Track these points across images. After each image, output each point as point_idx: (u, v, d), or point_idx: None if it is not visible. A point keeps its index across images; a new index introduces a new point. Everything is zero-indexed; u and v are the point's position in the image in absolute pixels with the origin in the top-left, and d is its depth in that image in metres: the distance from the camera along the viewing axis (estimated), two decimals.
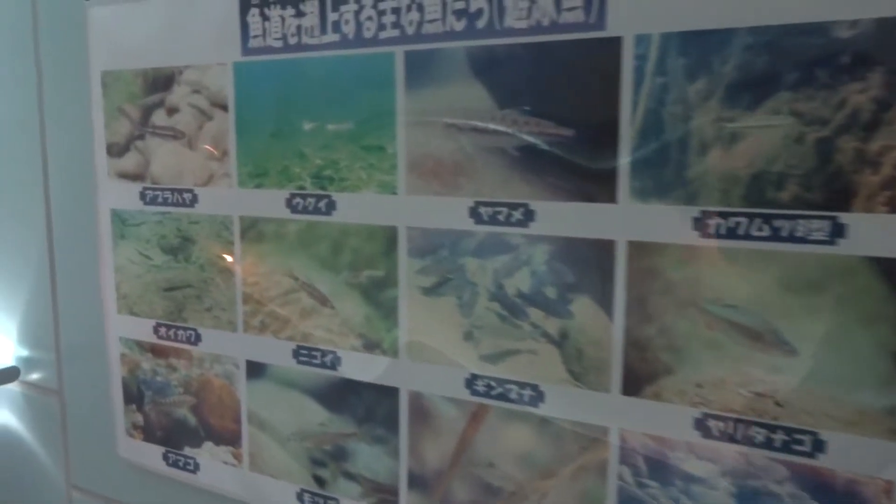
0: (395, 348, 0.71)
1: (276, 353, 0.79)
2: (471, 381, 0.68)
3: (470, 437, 0.69)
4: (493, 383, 0.67)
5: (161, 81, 0.82)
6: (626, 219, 0.59)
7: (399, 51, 0.67)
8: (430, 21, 0.65)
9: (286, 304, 0.77)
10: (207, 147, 0.79)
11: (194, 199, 0.82)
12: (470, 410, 0.68)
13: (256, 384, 0.81)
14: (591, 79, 0.59)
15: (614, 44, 0.58)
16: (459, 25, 0.64)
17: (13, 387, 1.02)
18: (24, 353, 1.03)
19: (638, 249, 0.59)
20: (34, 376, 1.02)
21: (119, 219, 0.88)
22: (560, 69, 0.60)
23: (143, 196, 0.85)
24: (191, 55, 0.79)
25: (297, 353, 0.77)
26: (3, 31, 0.97)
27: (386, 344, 0.72)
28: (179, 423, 0.87)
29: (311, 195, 0.74)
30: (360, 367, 0.74)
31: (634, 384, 0.60)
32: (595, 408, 0.62)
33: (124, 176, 0.87)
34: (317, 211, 0.74)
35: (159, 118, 0.82)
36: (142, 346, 0.89)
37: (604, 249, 0.60)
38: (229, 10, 0.76)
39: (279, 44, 0.73)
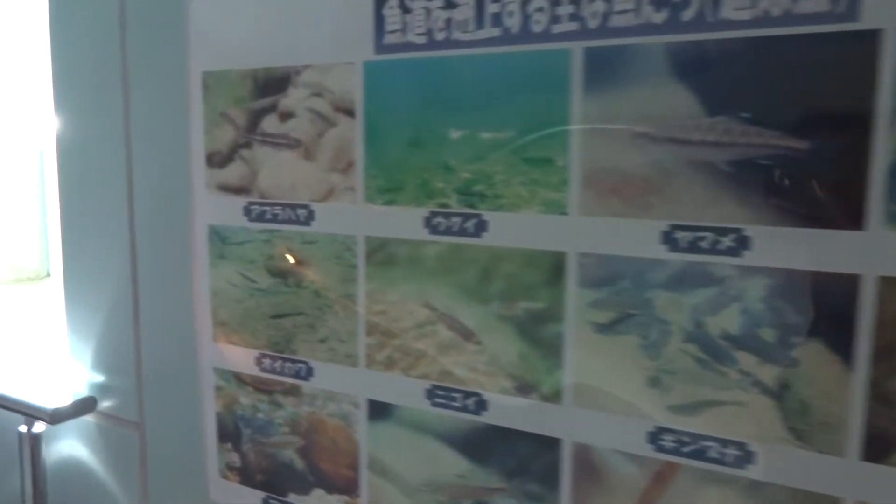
0: (557, 392, 0.62)
1: (407, 392, 0.69)
2: (656, 435, 0.58)
3: (652, 499, 0.59)
4: (685, 438, 0.57)
5: (274, 83, 0.73)
6: (876, 249, 0.49)
7: (577, 47, 0.57)
8: (620, 12, 0.55)
9: (421, 337, 0.68)
10: (328, 158, 0.70)
11: (310, 216, 0.72)
12: (653, 469, 0.58)
13: (379, 427, 0.71)
14: (835, 80, 0.49)
15: (870, 38, 0.48)
16: (659, 17, 0.54)
17: (88, 418, 0.93)
18: (101, 380, 0.94)
19: (891, 287, 0.49)
20: (111, 406, 0.93)
21: (218, 237, 0.79)
22: (793, 69, 0.50)
23: (247, 211, 0.76)
24: (311, 53, 0.70)
25: (432, 394, 0.68)
26: (87, 26, 0.89)
27: (546, 387, 0.62)
28: (284, 466, 0.78)
29: (457, 214, 0.64)
30: (511, 412, 0.64)
31: (879, 448, 0.50)
32: (824, 474, 0.52)
33: (226, 189, 0.78)
34: (463, 232, 0.64)
35: (270, 124, 0.73)
36: (241, 379, 0.80)
37: (844, 285, 0.50)
38: (360, 2, 0.67)
39: (423, 39, 0.64)
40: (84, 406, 0.90)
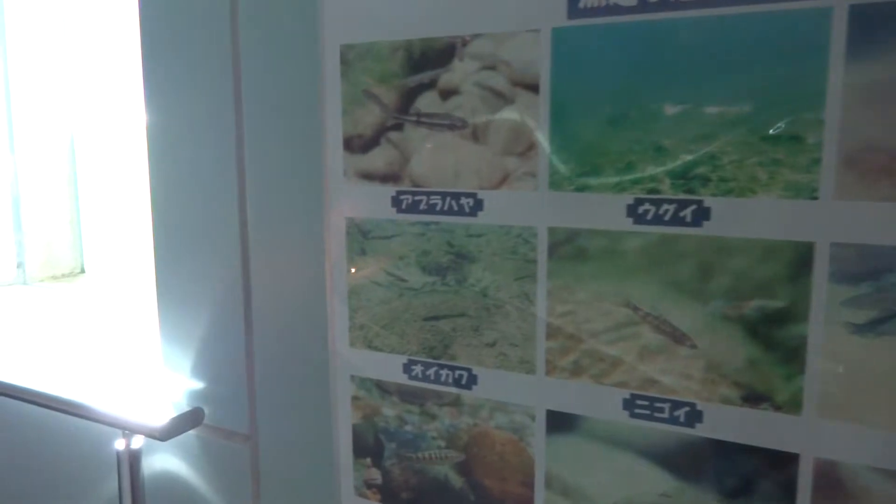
0: (796, 402, 0.54)
1: (598, 402, 0.62)
2: None
3: None
4: None
5: (434, 56, 0.64)
6: None
7: (841, 5, 0.50)
8: None
9: (618, 340, 0.60)
10: (502, 139, 0.62)
11: (477, 206, 0.64)
12: None
13: (561, 441, 0.64)
14: None
15: None
16: None
17: (195, 432, 0.85)
18: (202, 389, 0.86)
19: None
20: (216, 417, 0.85)
21: (358, 230, 0.71)
22: None
23: (396, 202, 0.68)
24: (483, 20, 0.62)
25: (630, 404, 0.60)
26: None
27: (782, 396, 0.55)
28: (438, 483, 0.70)
29: (670, 200, 0.56)
30: (735, 424, 0.57)
31: None
32: None
33: (369, 177, 0.69)
34: (677, 221, 0.57)
35: (428, 103, 0.65)
36: (384, 388, 0.72)
37: None
38: None
39: (631, 1, 0.56)
40: (192, 419, 0.82)
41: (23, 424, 1.09)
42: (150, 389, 0.94)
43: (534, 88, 0.60)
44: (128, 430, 0.83)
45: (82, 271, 1.97)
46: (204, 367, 0.86)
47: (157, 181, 0.86)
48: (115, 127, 1.83)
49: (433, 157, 0.66)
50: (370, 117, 0.68)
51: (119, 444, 0.85)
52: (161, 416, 0.81)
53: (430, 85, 0.65)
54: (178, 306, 0.87)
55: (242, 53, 0.77)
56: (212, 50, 0.78)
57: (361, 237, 0.70)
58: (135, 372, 1.04)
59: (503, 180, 0.63)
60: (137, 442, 0.85)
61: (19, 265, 1.77)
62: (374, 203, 0.69)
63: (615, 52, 0.57)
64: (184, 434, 0.86)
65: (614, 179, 0.58)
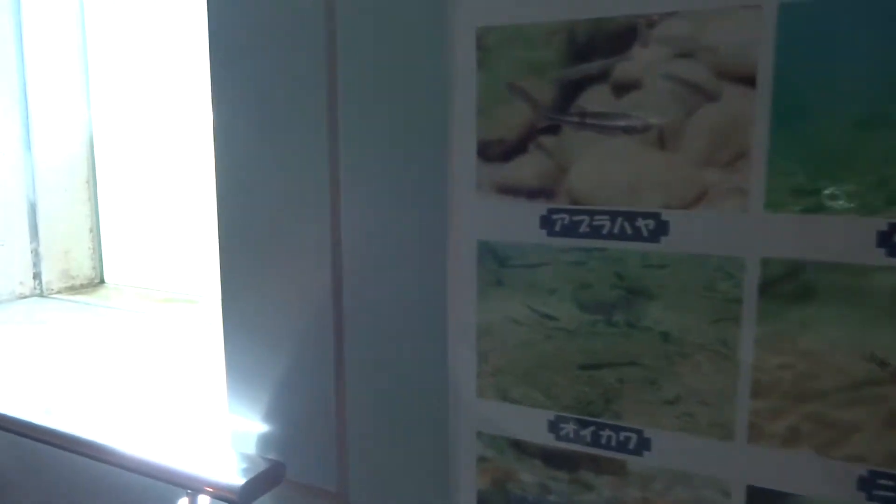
0: None
1: (823, 479, 0.49)
2: None
3: None
4: None
5: (607, 40, 0.51)
6: None
7: None
8: None
9: (855, 402, 0.47)
10: (700, 146, 0.49)
11: (660, 230, 0.52)
12: None
13: None
14: None
15: None
16: None
17: (276, 489, 0.72)
18: (286, 438, 0.73)
19: None
20: (298, 471, 0.72)
21: (493, 256, 0.58)
22: None
23: (547, 222, 0.55)
24: None
25: (868, 483, 0.48)
26: None
27: None
28: None
29: None
30: None
31: None
32: None
33: (511, 191, 0.56)
34: None
35: (597, 100, 0.52)
36: (522, 449, 0.59)
37: None
38: None
39: None
40: (273, 476, 0.68)
41: (59, 477, 0.96)
42: (211, 435, 0.81)
43: (748, 81, 0.47)
44: (193, 490, 0.70)
45: (102, 282, 1.84)
46: (282, 410, 0.73)
47: (226, 190, 0.73)
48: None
49: (601, 167, 0.53)
50: (515, 118, 0.55)
51: None
52: (234, 473, 0.68)
53: (601, 77, 0.52)
54: (250, 337, 0.74)
55: (339, 35, 0.64)
56: (299, 27, 0.65)
57: (497, 265, 0.58)
58: (187, 412, 0.91)
59: (699, 198, 0.50)
60: (204, 502, 0.72)
61: (36, 276, 1.63)
62: (516, 223, 0.56)
63: (869, 30, 0.44)
64: (269, 494, 0.73)
65: (861, 199, 0.45)
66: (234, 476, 0.67)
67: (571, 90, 0.53)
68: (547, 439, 0.57)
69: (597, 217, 0.53)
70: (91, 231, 1.76)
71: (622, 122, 0.51)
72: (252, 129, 0.70)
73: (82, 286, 1.75)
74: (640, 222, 0.52)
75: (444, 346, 0.61)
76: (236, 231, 0.73)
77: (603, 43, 0.51)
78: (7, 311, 1.46)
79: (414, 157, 0.61)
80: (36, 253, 1.62)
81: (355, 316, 0.67)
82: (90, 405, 0.94)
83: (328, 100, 0.65)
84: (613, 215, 0.53)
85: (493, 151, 0.56)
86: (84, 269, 1.75)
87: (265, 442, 0.75)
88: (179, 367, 1.12)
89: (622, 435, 0.55)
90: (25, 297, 1.61)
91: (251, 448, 0.75)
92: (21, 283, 1.60)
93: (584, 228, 0.54)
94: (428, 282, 0.61)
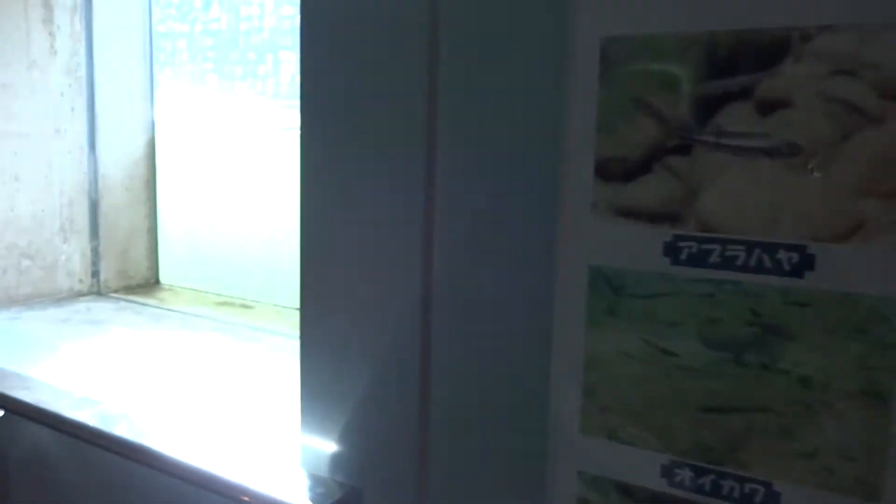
0: None
1: None
2: None
3: None
4: None
5: (753, 54, 0.47)
6: None
7: None
8: None
9: None
10: (858, 173, 0.45)
11: (804, 263, 0.47)
12: None
13: None
14: None
15: None
16: None
17: None
18: (364, 464, 0.70)
19: None
20: (381, 500, 0.69)
21: (607, 283, 0.54)
22: None
23: (672, 249, 0.51)
24: (838, 6, 0.45)
25: None
26: None
27: None
28: None
29: None
30: None
31: None
32: None
33: (631, 213, 0.52)
34: None
35: (737, 118, 0.48)
36: (629, 493, 0.55)
37: None
38: None
39: None
40: (352, 501, 0.65)
41: (117, 485, 0.94)
42: (279, 452, 0.78)
43: None
44: None
45: (157, 282, 1.84)
46: (360, 431, 0.69)
47: (312, 200, 0.70)
48: (199, 128, 1.71)
49: (737, 192, 0.48)
50: (641, 135, 0.51)
51: None
52: (304, 497, 0.64)
53: (743, 94, 0.47)
54: (329, 353, 0.71)
55: (442, 42, 0.60)
56: (398, 30, 0.62)
57: (611, 292, 0.53)
58: (254, 424, 0.89)
59: (853, 230, 0.45)
60: None
61: (94, 274, 1.64)
62: (635, 249, 0.52)
63: None
64: None
65: None
66: (306, 502, 0.64)
67: (708, 107, 0.48)
68: (658, 484, 0.53)
69: (730, 246, 0.49)
70: (149, 231, 1.76)
71: (765, 144, 0.47)
72: (343, 139, 0.67)
73: (138, 286, 1.75)
74: (782, 254, 0.47)
75: (546, 377, 0.57)
76: (320, 244, 0.70)
77: (748, 56, 0.47)
78: (66, 310, 1.46)
79: (521, 173, 0.57)
80: (96, 251, 1.63)
81: (445, 337, 0.63)
82: (154, 412, 0.92)
83: (427, 107, 0.61)
84: (750, 245, 0.48)
85: (612, 170, 0.52)
86: (140, 269, 1.75)
87: (339, 464, 0.71)
88: (240, 375, 1.10)
89: (747, 487, 0.50)
90: (84, 294, 1.61)
91: (323, 469, 0.72)
92: (80, 280, 1.60)
93: (714, 258, 0.49)
94: (531, 306, 0.57)
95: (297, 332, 1.37)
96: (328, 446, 0.72)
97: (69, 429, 0.91)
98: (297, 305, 1.56)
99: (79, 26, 1.51)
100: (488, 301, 0.60)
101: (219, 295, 1.67)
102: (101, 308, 1.48)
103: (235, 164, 1.70)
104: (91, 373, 1.07)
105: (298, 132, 0.70)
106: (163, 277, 1.80)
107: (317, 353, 0.72)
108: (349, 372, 0.69)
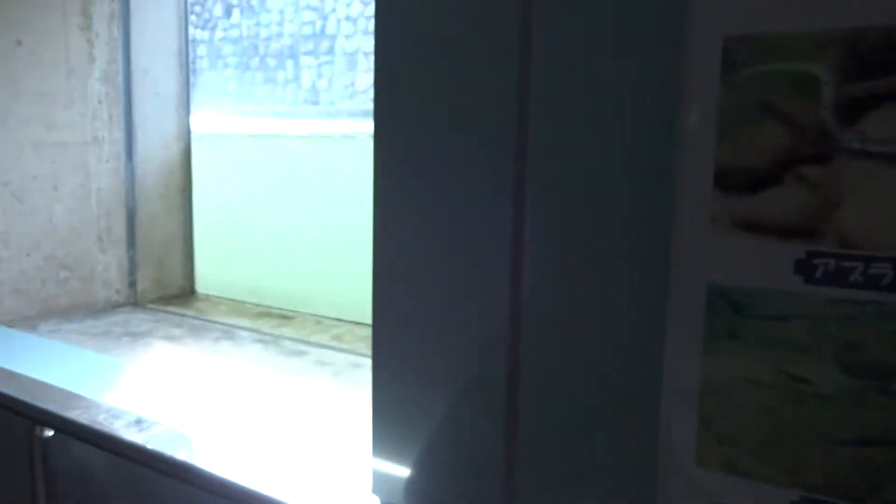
0: None
1: None
2: None
3: None
4: None
5: None
6: None
7: None
8: None
9: None
10: None
11: None
12: None
13: None
14: None
15: None
16: None
17: None
18: (442, 494, 0.66)
19: None
20: None
21: (728, 302, 0.50)
22: None
23: (806, 267, 0.47)
24: None
25: None
26: None
27: None
28: None
29: None
30: None
31: None
32: None
33: (756, 227, 0.48)
34: None
35: (885, 124, 0.44)
36: None
37: None
38: None
39: None
40: None
41: None
42: (348, 481, 0.74)
43: None
44: None
45: (192, 292, 1.81)
46: (437, 459, 0.66)
47: (387, 210, 0.66)
48: (235, 134, 1.68)
49: (885, 205, 0.44)
50: (769, 143, 0.47)
51: None
52: None
53: (891, 97, 0.43)
54: (405, 375, 0.67)
55: (535, 37, 0.56)
56: (484, 31, 0.59)
57: (733, 312, 0.49)
58: (316, 446, 0.85)
59: None
60: None
61: (131, 284, 1.61)
62: (761, 266, 0.48)
63: None
64: None
65: None
66: None
67: (850, 112, 0.44)
68: None
69: (875, 264, 0.44)
70: (184, 240, 1.74)
71: None
72: (424, 144, 0.63)
73: (174, 296, 1.72)
74: None
75: (655, 403, 0.53)
76: (396, 256, 0.66)
77: None
78: (105, 322, 1.44)
79: (627, 182, 0.53)
80: (133, 261, 1.60)
81: (537, 358, 0.59)
82: (209, 433, 0.89)
83: (518, 108, 0.57)
84: None
85: (735, 181, 0.48)
86: (176, 279, 1.73)
87: (414, 490, 0.67)
88: (290, 392, 1.06)
89: None
90: (120, 305, 1.59)
91: (397, 496, 0.68)
92: (117, 290, 1.58)
93: (855, 277, 0.45)
94: (638, 327, 0.53)
95: (340, 344, 1.35)
96: (402, 471, 0.68)
97: (121, 450, 0.88)
98: (337, 316, 1.54)
99: (116, 33, 1.49)
100: (589, 321, 0.56)
101: (256, 305, 1.65)
102: (140, 320, 1.46)
103: (268, 170, 1.68)
104: (138, 390, 1.04)
105: (373, 136, 0.66)
106: (198, 287, 1.77)
107: (391, 373, 0.68)
108: (427, 393, 0.65)
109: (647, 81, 0.51)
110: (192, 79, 1.70)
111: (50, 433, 0.90)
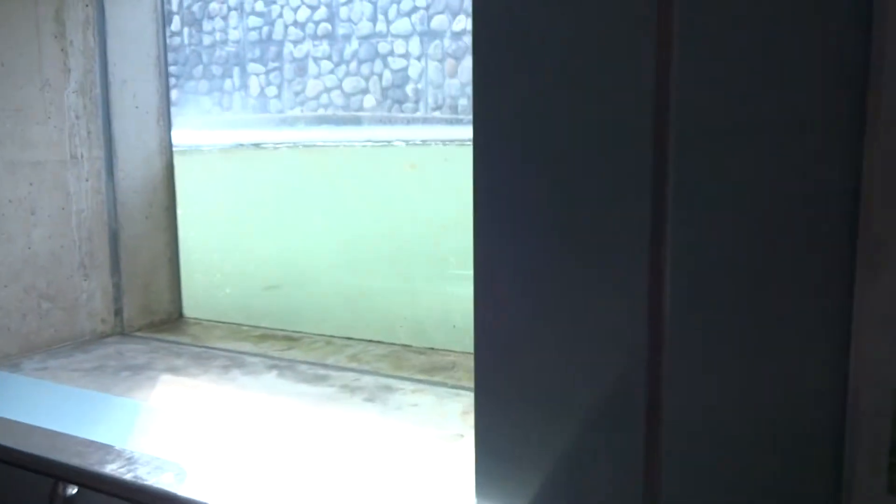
0: None
1: None
2: None
3: None
4: None
5: None
6: None
7: None
8: None
9: None
10: None
11: None
12: None
13: None
14: None
15: None
16: None
17: None
18: None
19: None
20: None
21: None
22: None
23: None
24: None
25: None
26: None
27: None
28: None
29: None
30: None
31: None
32: None
33: None
34: None
35: None
36: None
37: None
38: None
39: None
40: None
41: None
42: None
43: None
44: None
45: (181, 316, 1.69)
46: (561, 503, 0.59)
47: (488, 221, 0.60)
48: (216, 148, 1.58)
49: None
50: None
51: None
52: None
53: None
54: (515, 406, 0.60)
55: (676, 37, 0.51)
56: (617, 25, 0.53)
57: None
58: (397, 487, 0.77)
59: None
60: None
61: (117, 312, 1.49)
62: None
63: None
64: None
65: None
66: None
67: None
68: None
69: None
70: (170, 261, 1.62)
71: None
72: (538, 154, 0.57)
73: (162, 322, 1.60)
74: None
75: (838, 429, 0.48)
76: (504, 278, 0.60)
77: None
78: (94, 355, 1.31)
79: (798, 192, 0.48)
80: (118, 287, 1.48)
81: (683, 386, 0.54)
82: (259, 480, 0.80)
83: (655, 103, 0.52)
84: None
85: None
86: (163, 304, 1.61)
87: None
88: (327, 426, 0.98)
89: None
90: (107, 335, 1.46)
91: None
92: (103, 320, 1.45)
93: None
94: (814, 345, 0.48)
95: (360, 365, 1.27)
96: None
97: None
98: (346, 335, 1.46)
99: (92, 41, 1.37)
100: (747, 343, 0.51)
101: (254, 327, 1.54)
102: (133, 350, 1.34)
103: (246, 183, 1.59)
104: (165, 433, 0.94)
105: (473, 147, 0.60)
106: (185, 311, 1.66)
107: (497, 406, 0.61)
108: (544, 427, 0.59)
109: (826, 105, 0.46)
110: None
111: (73, 490, 0.80)
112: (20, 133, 1.26)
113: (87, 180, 1.38)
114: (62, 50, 1.32)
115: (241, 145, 1.69)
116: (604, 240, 0.54)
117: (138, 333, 1.48)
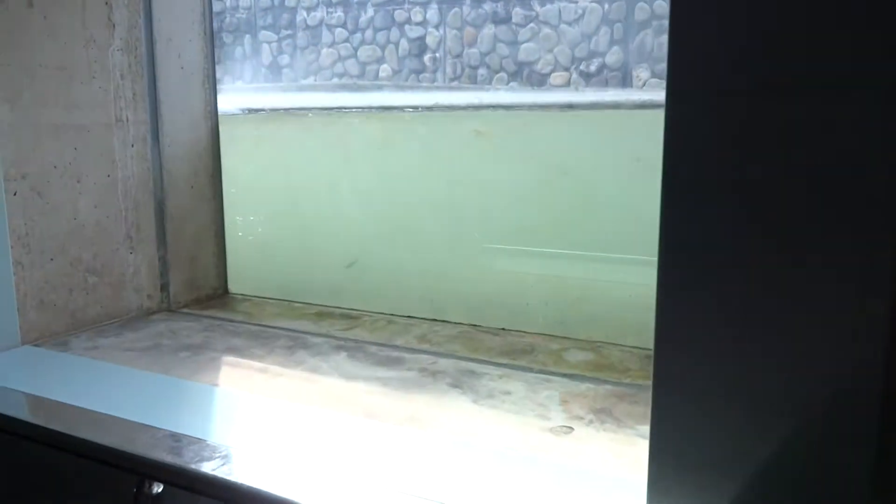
0: None
1: None
2: None
3: None
4: None
5: None
6: None
7: None
8: None
9: None
10: None
11: None
12: None
13: None
14: None
15: None
16: None
17: None
18: None
19: None
20: None
21: None
22: None
23: None
24: None
25: None
26: None
27: None
28: None
29: None
30: None
31: None
32: None
33: None
34: None
35: None
36: None
37: None
38: None
39: None
40: None
41: None
42: None
43: None
44: None
45: (226, 292, 1.61)
46: None
47: (685, 188, 0.51)
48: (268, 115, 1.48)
49: None
50: None
51: None
52: None
53: None
54: (702, 406, 0.52)
55: None
56: None
57: None
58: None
59: None
60: None
61: (163, 287, 1.40)
62: None
63: None
64: None
65: None
66: None
67: None
68: None
69: None
70: (216, 234, 1.53)
71: None
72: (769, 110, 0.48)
73: (208, 298, 1.52)
74: None
75: None
76: (696, 255, 0.51)
77: None
78: (145, 333, 1.23)
79: None
80: (164, 261, 1.39)
81: None
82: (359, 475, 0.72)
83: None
84: None
85: None
86: (209, 279, 1.52)
87: None
88: (431, 413, 0.90)
89: None
90: (153, 312, 1.38)
91: None
92: (149, 295, 1.37)
93: None
94: None
95: (431, 347, 1.18)
96: None
97: None
98: (406, 312, 1.37)
99: (139, 11, 1.26)
100: None
101: (308, 304, 1.46)
102: (185, 329, 1.26)
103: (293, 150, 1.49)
104: (251, 422, 0.85)
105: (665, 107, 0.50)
106: (230, 286, 1.57)
107: (679, 405, 0.53)
108: (744, 433, 0.51)
109: None
110: None
111: (159, 488, 0.72)
112: (65, 94, 1.16)
113: (132, 145, 1.28)
114: (105, 3, 1.22)
115: (276, 110, 1.59)
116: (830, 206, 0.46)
117: (185, 310, 1.39)
